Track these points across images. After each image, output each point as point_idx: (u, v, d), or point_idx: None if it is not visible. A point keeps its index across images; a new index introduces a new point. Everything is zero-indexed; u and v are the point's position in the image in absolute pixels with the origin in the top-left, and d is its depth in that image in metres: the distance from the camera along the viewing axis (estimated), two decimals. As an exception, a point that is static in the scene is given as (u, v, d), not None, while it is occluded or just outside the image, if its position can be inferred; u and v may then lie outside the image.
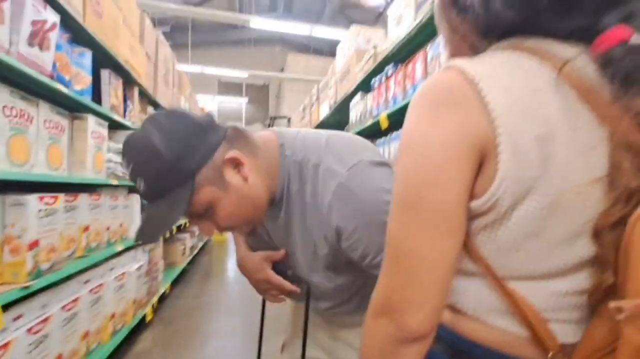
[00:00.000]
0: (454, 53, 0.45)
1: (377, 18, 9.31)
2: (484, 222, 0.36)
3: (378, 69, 2.12)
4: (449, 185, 0.34)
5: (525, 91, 0.33)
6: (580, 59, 0.33)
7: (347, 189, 0.56)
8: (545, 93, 0.33)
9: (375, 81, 2.13)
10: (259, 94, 12.92)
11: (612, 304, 0.30)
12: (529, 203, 0.33)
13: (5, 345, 1.06)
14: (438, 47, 1.45)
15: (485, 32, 0.40)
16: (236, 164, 0.58)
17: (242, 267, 0.75)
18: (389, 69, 1.95)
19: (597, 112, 0.32)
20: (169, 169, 0.53)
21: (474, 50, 0.42)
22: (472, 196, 0.35)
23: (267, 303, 0.80)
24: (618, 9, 0.33)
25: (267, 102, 12.94)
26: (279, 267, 0.70)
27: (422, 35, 1.64)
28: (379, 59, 2.06)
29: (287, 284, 0.69)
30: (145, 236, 0.56)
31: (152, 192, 0.55)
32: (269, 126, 11.23)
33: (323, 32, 7.11)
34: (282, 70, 11.36)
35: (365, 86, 2.36)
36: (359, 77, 2.42)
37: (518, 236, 0.34)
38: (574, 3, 0.34)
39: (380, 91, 2.04)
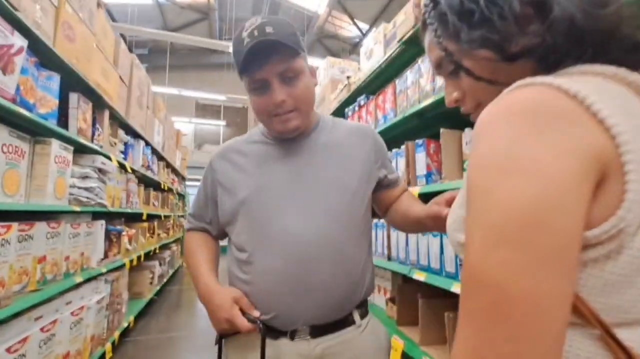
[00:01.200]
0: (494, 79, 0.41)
1: (354, 48, 9.78)
2: (592, 255, 0.30)
3: (351, 99, 2.20)
4: (569, 209, 0.29)
5: (627, 111, 0.30)
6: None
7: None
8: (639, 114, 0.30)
9: (349, 110, 2.21)
10: (237, 117, 12.95)
11: None
12: None
13: None
14: (406, 82, 1.54)
15: (545, 67, 0.37)
16: (314, 75, 0.77)
17: (206, 299, 0.74)
18: (361, 99, 2.03)
19: None
20: (294, 33, 0.70)
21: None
22: (586, 224, 0.30)
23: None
24: None
25: (246, 126, 12.96)
26: (248, 317, 0.70)
27: (391, 69, 1.73)
28: (352, 89, 2.15)
29: (250, 326, 0.69)
30: (248, 53, 0.66)
31: (275, 34, 0.66)
32: (246, 149, 11.17)
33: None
34: (260, 94, 11.49)
35: (339, 114, 2.44)
36: (333, 105, 2.50)
37: (633, 269, 0.29)
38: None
39: (354, 119, 2.11)
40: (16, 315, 1.36)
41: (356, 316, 0.75)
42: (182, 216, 6.47)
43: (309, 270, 0.69)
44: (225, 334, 0.74)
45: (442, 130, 1.34)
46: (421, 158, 1.41)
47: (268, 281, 0.71)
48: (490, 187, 0.31)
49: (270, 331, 0.71)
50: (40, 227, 1.49)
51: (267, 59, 0.67)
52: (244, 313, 0.70)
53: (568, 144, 0.29)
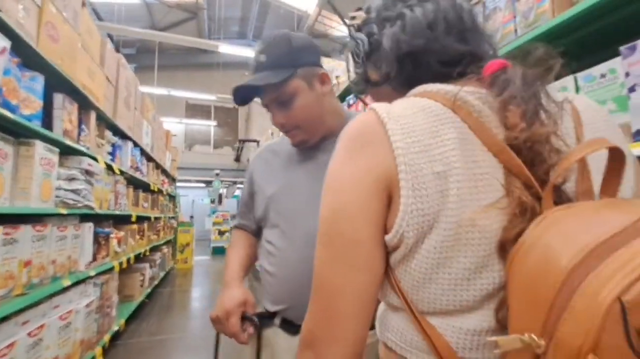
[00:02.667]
0: (376, 99, 0.51)
1: (344, 48, 9.79)
2: (398, 256, 0.37)
3: (340, 98, 2.22)
4: (359, 221, 0.37)
5: (426, 131, 0.36)
6: (463, 94, 0.37)
7: None
8: (443, 132, 0.36)
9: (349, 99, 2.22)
10: (228, 117, 12.85)
11: (490, 338, 0.32)
12: (433, 236, 0.35)
13: None
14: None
15: (400, 89, 0.45)
16: (325, 81, 0.78)
17: (225, 286, 0.81)
18: (350, 98, 2.04)
19: (486, 144, 0.36)
20: (288, 52, 0.72)
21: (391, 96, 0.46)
22: (386, 230, 0.37)
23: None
24: (486, 55, 0.43)
25: (237, 125, 12.88)
26: (246, 315, 0.75)
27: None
28: (341, 88, 2.16)
29: (240, 334, 0.73)
30: (239, 93, 0.74)
31: (267, 64, 0.72)
32: (238, 149, 11.13)
33: (291, 59, 7.30)
34: (251, 94, 11.42)
35: (329, 113, 2.45)
36: (332, 102, 2.50)
37: (428, 267, 0.36)
38: (456, 58, 0.41)
39: (343, 118, 2.13)
40: (2, 320, 1.34)
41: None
42: (173, 218, 6.41)
43: None
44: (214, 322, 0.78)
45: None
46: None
47: (289, 274, 0.75)
48: (322, 201, 0.41)
49: (289, 326, 0.75)
50: (26, 231, 1.47)
51: (263, 89, 0.74)
52: (244, 314, 0.75)
53: (366, 166, 0.37)
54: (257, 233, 0.93)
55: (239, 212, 0.96)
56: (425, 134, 0.36)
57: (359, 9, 0.51)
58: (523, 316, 0.28)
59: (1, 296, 1.31)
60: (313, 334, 0.39)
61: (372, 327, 0.74)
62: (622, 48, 0.62)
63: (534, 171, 0.34)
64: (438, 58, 0.41)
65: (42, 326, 1.57)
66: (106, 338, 2.39)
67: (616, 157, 0.32)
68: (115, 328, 2.60)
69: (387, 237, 0.37)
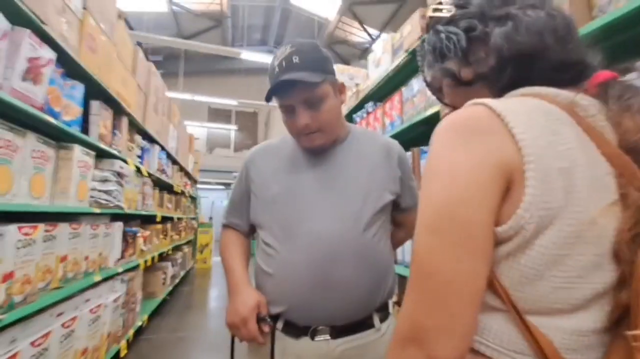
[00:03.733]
0: (458, 99, 0.49)
1: (363, 53, 9.82)
2: (507, 249, 0.36)
3: (360, 106, 2.25)
4: (476, 205, 0.36)
5: (546, 128, 0.37)
6: (579, 98, 0.39)
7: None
8: (563, 131, 0.37)
9: (357, 116, 2.25)
10: (248, 121, 13.12)
11: (630, 332, 0.32)
12: (552, 232, 0.34)
13: (-33, 384, 1.01)
14: (412, 90, 1.57)
15: (497, 89, 0.44)
16: (342, 91, 0.84)
17: (235, 290, 0.80)
18: (369, 106, 2.07)
19: (601, 148, 0.37)
20: (320, 59, 0.77)
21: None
22: (497, 222, 0.36)
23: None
24: (591, 65, 0.43)
25: (256, 130, 13.13)
26: (260, 316, 0.75)
27: (398, 77, 1.77)
28: (361, 96, 2.19)
29: (258, 336, 0.74)
30: (275, 87, 0.74)
31: (300, 65, 0.74)
32: (257, 152, 11.28)
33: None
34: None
35: (348, 120, 2.49)
36: (342, 111, 2.54)
37: (541, 263, 0.35)
38: (568, 65, 0.42)
39: (362, 125, 2.15)
40: (40, 311, 1.44)
41: (376, 319, 0.77)
42: (194, 219, 6.60)
43: (330, 269, 0.73)
44: (232, 328, 0.78)
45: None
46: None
47: (290, 275, 0.75)
48: (425, 187, 0.39)
49: (292, 329, 0.75)
50: (63, 228, 1.58)
51: (292, 89, 0.74)
52: (258, 316, 0.75)
53: (484, 153, 0.37)
54: (248, 233, 0.92)
55: (229, 210, 0.93)
56: (546, 131, 0.36)
57: (440, 1, 0.49)
58: None
59: (40, 288, 1.42)
60: (420, 326, 0.36)
61: (370, 326, 0.76)
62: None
63: None
64: (551, 63, 0.41)
65: (74, 318, 1.67)
66: (130, 332, 2.50)
67: None
68: (139, 323, 2.72)
69: (501, 228, 0.36)
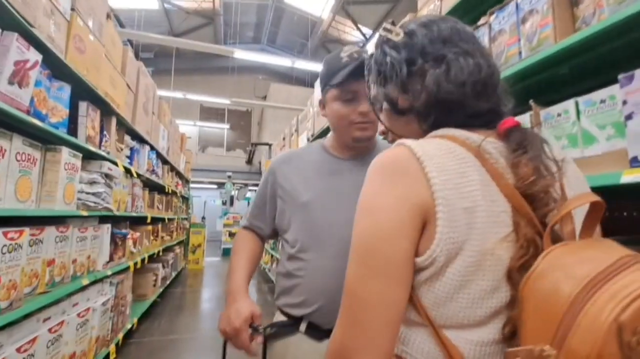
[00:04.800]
0: (392, 122, 0.55)
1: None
2: (424, 276, 0.42)
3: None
4: (397, 241, 0.41)
5: (455, 171, 0.42)
6: (485, 144, 0.44)
7: None
8: (469, 174, 0.42)
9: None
10: (241, 120, 13.05)
11: (509, 350, 0.37)
12: (458, 262, 0.41)
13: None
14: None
15: (425, 124, 0.50)
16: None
17: (231, 298, 0.82)
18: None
19: (501, 188, 0.43)
20: None
21: (412, 131, 0.52)
22: (417, 253, 0.43)
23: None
24: (502, 112, 0.49)
25: (249, 129, 13.07)
26: (253, 326, 0.78)
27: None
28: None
29: (250, 348, 0.76)
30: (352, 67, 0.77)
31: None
32: (250, 152, 11.28)
33: (304, 65, 7.41)
34: (264, 98, 11.59)
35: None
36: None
37: (451, 288, 0.41)
38: (480, 114, 0.48)
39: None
40: (26, 316, 1.42)
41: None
42: (186, 219, 6.54)
43: None
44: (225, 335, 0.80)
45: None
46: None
47: (318, 276, 0.78)
48: (355, 221, 0.45)
49: (315, 332, 0.78)
50: (50, 232, 1.56)
51: (363, 76, 0.77)
52: (252, 324, 0.77)
53: (405, 193, 0.42)
54: (270, 236, 0.94)
55: (251, 213, 0.96)
56: (455, 174, 0.42)
57: (392, 22, 0.52)
58: (536, 330, 0.35)
59: (27, 293, 1.39)
60: (343, 345, 0.42)
61: None
62: (620, 76, 0.64)
63: (536, 213, 0.41)
64: (467, 112, 0.47)
65: (62, 323, 1.65)
66: (120, 335, 2.48)
67: (597, 208, 0.39)
68: (129, 326, 2.69)
69: (420, 259, 0.42)
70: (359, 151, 0.87)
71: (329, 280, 0.76)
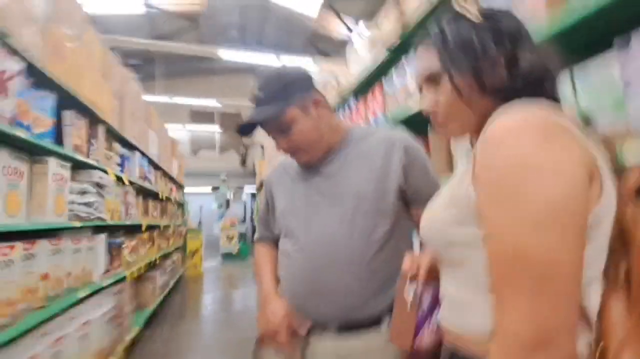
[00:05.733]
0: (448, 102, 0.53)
1: (343, 46, 9.79)
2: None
3: (341, 102, 2.24)
4: (582, 199, 0.39)
5: (581, 135, 0.42)
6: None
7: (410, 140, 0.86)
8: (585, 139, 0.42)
9: (339, 113, 2.24)
10: (232, 122, 12.94)
11: None
12: (608, 219, 0.41)
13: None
14: (392, 84, 1.57)
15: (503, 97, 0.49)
16: (319, 104, 0.85)
17: (265, 301, 0.87)
18: (351, 101, 2.06)
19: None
20: (283, 87, 0.81)
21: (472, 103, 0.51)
22: None
23: None
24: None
25: (240, 130, 12.96)
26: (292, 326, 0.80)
27: (378, 71, 1.77)
28: (342, 93, 2.18)
29: (288, 346, 0.79)
30: (244, 127, 0.85)
31: (264, 99, 0.81)
32: (242, 154, 11.20)
33: (291, 62, 7.37)
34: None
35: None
36: (326, 123, 2.52)
37: (596, 248, 0.41)
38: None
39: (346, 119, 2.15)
40: (24, 333, 1.38)
41: (384, 324, 0.77)
42: (181, 225, 6.49)
43: (322, 274, 0.78)
44: (265, 337, 0.83)
45: (430, 127, 1.38)
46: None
47: (290, 280, 0.84)
48: (524, 184, 0.39)
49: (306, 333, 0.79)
50: (42, 245, 1.52)
51: (262, 124, 0.85)
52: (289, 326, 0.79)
53: (576, 152, 0.40)
54: (277, 242, 0.99)
55: (259, 225, 1.04)
56: (583, 136, 0.42)
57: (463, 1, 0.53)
58: None
59: (22, 309, 1.36)
60: (548, 327, 0.35)
61: (377, 329, 0.76)
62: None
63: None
64: (546, 95, 0.48)
65: (61, 338, 1.62)
66: (122, 346, 2.44)
67: None
68: (131, 336, 2.66)
69: (588, 219, 0.40)
70: (325, 153, 0.88)
71: (298, 280, 0.81)
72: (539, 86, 0.48)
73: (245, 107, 11.82)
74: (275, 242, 0.98)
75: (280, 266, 0.88)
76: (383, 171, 0.80)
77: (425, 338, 0.60)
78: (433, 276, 0.60)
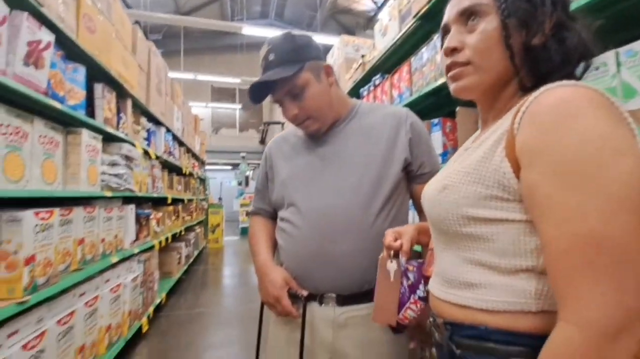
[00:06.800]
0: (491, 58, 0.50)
1: (369, 22, 9.43)
2: None
3: (366, 78, 2.17)
4: None
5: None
6: None
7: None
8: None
9: (364, 90, 2.19)
10: (252, 100, 12.93)
11: None
12: None
13: (2, 361, 1.07)
14: (421, 59, 1.50)
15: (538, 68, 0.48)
16: (329, 73, 0.84)
17: (261, 273, 0.87)
18: (377, 78, 2.00)
19: None
20: (294, 49, 0.79)
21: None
22: None
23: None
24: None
25: (261, 108, 12.98)
26: (291, 292, 0.81)
27: (407, 46, 1.69)
28: (367, 68, 2.11)
29: (293, 311, 0.80)
30: (255, 90, 0.81)
31: (276, 61, 0.78)
32: (263, 132, 11.26)
33: (314, 38, 7.16)
34: (274, 76, 11.36)
35: (354, 94, 2.42)
36: (348, 85, 2.47)
37: None
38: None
39: (369, 99, 2.10)
40: (62, 292, 1.50)
41: None
42: (204, 200, 6.69)
43: (328, 242, 0.78)
44: (268, 306, 0.85)
45: (458, 108, 1.32)
46: (437, 137, 1.40)
47: (294, 248, 0.82)
48: (604, 164, 0.37)
49: (293, 298, 0.80)
50: (78, 212, 1.61)
51: (274, 86, 0.80)
52: (289, 291, 0.81)
53: (632, 128, 0.39)
54: (273, 216, 0.97)
55: (255, 197, 1.02)
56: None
57: None
58: None
59: (61, 270, 1.46)
60: (631, 313, 0.35)
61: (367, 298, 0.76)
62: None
63: None
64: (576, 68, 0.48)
65: (96, 298, 1.74)
66: (150, 309, 2.61)
67: None
68: (158, 301, 2.83)
69: None
70: (332, 124, 0.86)
71: (301, 249, 0.80)
72: (572, 64, 0.47)
73: (266, 85, 11.76)
74: (270, 215, 0.97)
75: (281, 236, 0.87)
76: (390, 142, 0.82)
77: (409, 313, 0.60)
78: (414, 253, 0.61)
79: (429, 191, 0.56)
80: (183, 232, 4.26)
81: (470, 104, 1.36)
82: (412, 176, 0.85)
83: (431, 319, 0.57)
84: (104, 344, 1.81)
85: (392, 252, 0.64)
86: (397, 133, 0.83)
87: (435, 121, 1.41)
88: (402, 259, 0.63)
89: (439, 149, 1.41)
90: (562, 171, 0.38)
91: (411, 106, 1.65)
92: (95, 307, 1.72)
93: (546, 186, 0.39)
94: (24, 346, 1.20)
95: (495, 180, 0.45)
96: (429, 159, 0.85)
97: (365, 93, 2.18)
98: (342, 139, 0.85)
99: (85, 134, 1.65)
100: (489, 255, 0.46)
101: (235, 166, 11.59)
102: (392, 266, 0.63)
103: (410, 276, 0.61)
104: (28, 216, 1.21)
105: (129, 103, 2.29)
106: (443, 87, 1.37)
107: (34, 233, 1.24)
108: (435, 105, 1.58)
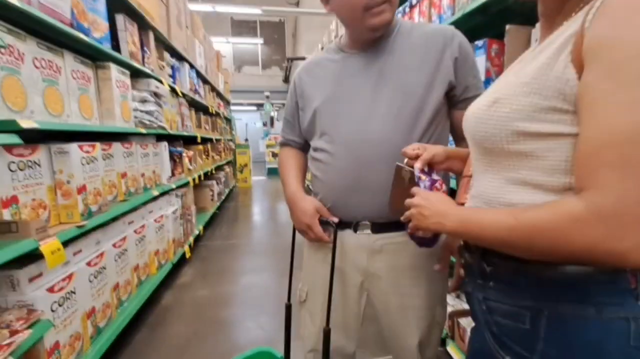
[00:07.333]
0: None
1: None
2: None
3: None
4: None
5: None
6: None
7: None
8: None
9: (397, 12, 1.96)
10: (275, 32, 12.22)
11: None
12: None
13: (70, 276, 1.23)
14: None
15: None
16: None
17: (292, 203, 0.88)
18: (416, -1, 1.77)
19: None
20: None
21: None
22: None
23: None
24: None
25: (284, 42, 12.29)
26: (322, 219, 0.83)
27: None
28: (405, -13, 1.86)
29: (324, 236, 0.82)
30: None
31: None
32: (286, 69, 10.82)
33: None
34: (297, 4, 10.53)
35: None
36: None
37: None
38: None
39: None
40: (113, 219, 1.64)
41: None
42: (231, 140, 6.80)
43: (366, 169, 0.76)
44: (301, 233, 0.88)
45: (507, 27, 1.16)
46: (480, 62, 1.25)
47: (331, 177, 0.81)
48: None
49: (337, 222, 0.82)
50: (117, 148, 1.68)
51: None
52: (320, 219, 0.83)
53: None
54: (304, 147, 0.96)
55: (284, 128, 0.98)
56: None
57: None
58: None
59: (110, 200, 1.59)
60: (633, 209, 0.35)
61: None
62: None
63: None
64: None
65: (143, 226, 1.91)
66: (191, 239, 2.86)
67: None
68: (197, 232, 3.08)
69: None
70: (378, 39, 0.78)
71: (342, 180, 0.79)
72: None
73: (289, 14, 10.93)
74: (300, 146, 0.96)
75: (316, 166, 0.85)
76: (435, 65, 0.76)
77: None
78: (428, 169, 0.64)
79: (475, 108, 0.52)
80: (214, 171, 4.43)
81: (523, 22, 1.17)
82: (455, 101, 0.79)
83: (462, 241, 0.56)
84: (155, 266, 2.04)
85: (406, 160, 0.66)
86: (443, 54, 0.76)
87: (480, 43, 1.26)
88: (417, 166, 0.63)
89: (481, 76, 1.28)
90: (622, 67, 0.36)
91: (454, 26, 1.47)
92: (143, 234, 1.89)
93: (603, 80, 0.37)
94: (88, 263, 1.36)
95: (556, 89, 0.41)
96: (474, 83, 0.79)
97: (399, 15, 1.97)
98: (382, 61, 0.78)
99: (114, 69, 1.64)
100: (537, 173, 0.44)
101: (259, 106, 11.45)
102: (405, 173, 0.64)
103: (421, 184, 0.61)
104: (74, 148, 1.28)
105: (151, 37, 2.22)
106: (492, 3, 1.19)
107: (81, 165, 1.32)
108: (481, 25, 1.39)
